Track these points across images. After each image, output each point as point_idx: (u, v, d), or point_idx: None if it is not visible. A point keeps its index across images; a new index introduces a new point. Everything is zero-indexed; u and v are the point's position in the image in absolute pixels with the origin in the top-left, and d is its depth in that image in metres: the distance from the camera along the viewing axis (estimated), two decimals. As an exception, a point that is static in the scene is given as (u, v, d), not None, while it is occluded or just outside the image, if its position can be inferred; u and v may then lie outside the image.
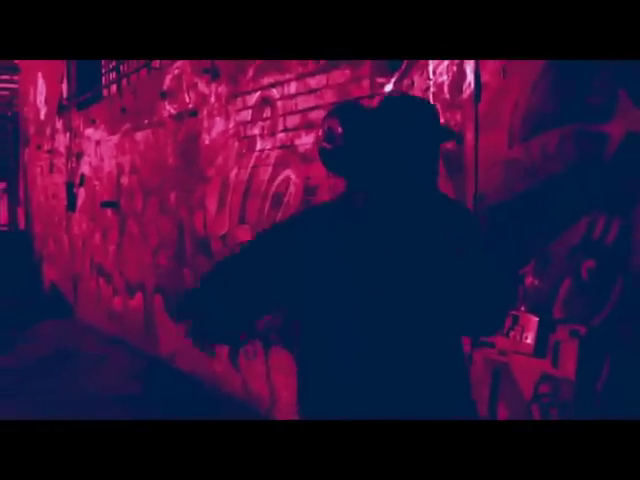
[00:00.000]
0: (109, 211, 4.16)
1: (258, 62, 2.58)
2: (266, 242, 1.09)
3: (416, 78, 1.83)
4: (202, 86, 3.03)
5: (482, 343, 1.53)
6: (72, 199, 4.81)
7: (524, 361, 1.48)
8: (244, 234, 2.74)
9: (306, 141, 2.31)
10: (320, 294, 1.02)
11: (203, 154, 3.03)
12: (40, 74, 5.54)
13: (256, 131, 2.62)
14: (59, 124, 5.12)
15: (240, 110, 2.72)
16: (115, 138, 4.04)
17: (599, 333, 1.35)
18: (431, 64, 1.78)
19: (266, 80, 2.53)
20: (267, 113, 2.54)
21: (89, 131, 4.51)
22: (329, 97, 2.17)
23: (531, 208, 1.50)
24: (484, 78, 1.62)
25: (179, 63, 3.23)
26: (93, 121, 4.41)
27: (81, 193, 4.71)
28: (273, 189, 2.53)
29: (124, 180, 3.94)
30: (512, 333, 1.46)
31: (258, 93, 2.58)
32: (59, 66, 4.91)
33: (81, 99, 4.60)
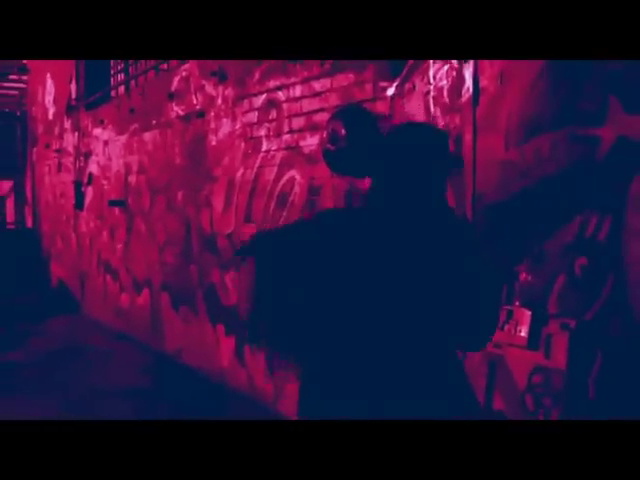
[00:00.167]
0: (117, 209, 4.21)
1: (264, 65, 2.65)
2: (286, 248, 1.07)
3: (417, 82, 1.89)
4: (209, 88, 3.09)
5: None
6: (80, 197, 4.84)
7: (518, 353, 1.54)
8: (250, 232, 2.81)
9: (311, 142, 2.36)
10: (324, 297, 1.03)
11: (210, 154, 3.08)
12: (49, 75, 5.60)
13: (262, 132, 2.68)
14: (67, 124, 5.17)
15: (246, 112, 2.78)
16: (123, 138, 4.10)
17: (589, 326, 1.41)
18: (432, 69, 1.84)
19: (272, 83, 2.59)
20: (273, 115, 2.59)
21: (97, 131, 4.56)
22: (333, 100, 2.23)
23: (526, 208, 1.55)
24: (482, 83, 1.68)
25: (187, 65, 3.29)
26: (101, 121, 4.47)
27: (89, 192, 4.76)
28: (278, 189, 2.59)
29: (132, 179, 3.99)
30: (507, 327, 1.52)
31: (264, 95, 2.64)
32: (68, 67, 4.96)
33: (90, 100, 4.66)
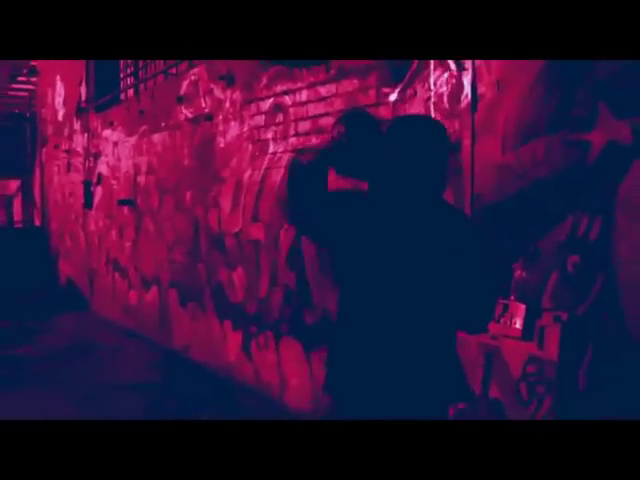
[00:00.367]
0: (125, 209, 4.28)
1: (272, 70, 2.73)
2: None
3: (418, 88, 1.97)
4: (218, 92, 3.17)
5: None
6: (89, 197, 4.89)
7: (513, 344, 1.61)
8: (257, 231, 2.90)
9: (316, 145, 2.46)
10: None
11: (218, 156, 3.15)
12: (58, 77, 5.67)
13: (269, 135, 2.74)
14: (77, 125, 5.23)
15: (254, 115, 2.85)
16: (132, 139, 4.16)
17: (581, 319, 1.48)
18: (432, 76, 1.93)
19: (279, 88, 2.66)
20: (279, 118, 2.66)
21: (107, 132, 4.62)
22: (338, 105, 2.29)
23: (522, 208, 1.62)
24: (480, 90, 1.75)
25: (196, 70, 3.38)
26: (111, 123, 4.52)
27: (98, 191, 4.82)
28: (285, 189, 2.68)
29: (141, 179, 4.05)
30: (503, 319, 1.60)
31: (271, 99, 2.71)
32: (78, 69, 5.03)
33: (99, 102, 4.72)
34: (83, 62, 4.93)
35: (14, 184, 7.87)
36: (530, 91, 1.61)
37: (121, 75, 4.67)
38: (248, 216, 2.92)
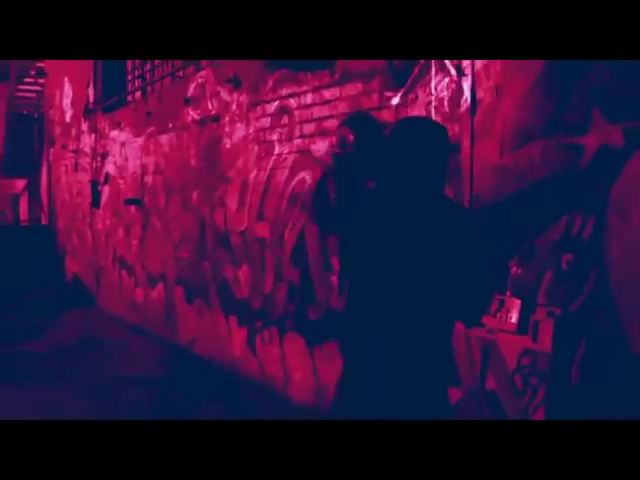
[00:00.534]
0: (132, 208, 4.33)
1: (277, 74, 2.80)
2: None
3: (420, 93, 2.03)
4: (224, 94, 3.23)
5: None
6: (96, 196, 4.94)
7: (508, 338, 1.67)
8: (262, 230, 2.97)
9: (320, 146, 2.49)
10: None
11: (224, 157, 3.21)
12: (66, 79, 5.72)
13: (274, 137, 2.80)
14: (85, 126, 5.28)
15: (260, 117, 2.90)
16: (140, 140, 4.21)
17: (574, 315, 1.54)
18: (433, 81, 1.99)
19: (284, 91, 2.72)
20: (285, 121, 2.71)
21: (114, 133, 4.67)
22: (342, 108, 2.35)
23: (519, 208, 1.67)
24: (479, 95, 1.81)
25: (203, 72, 3.45)
26: (118, 124, 4.57)
27: (105, 191, 4.87)
28: (289, 189, 2.72)
29: (148, 179, 4.10)
30: (499, 314, 1.66)
31: (277, 102, 2.76)
32: (86, 72, 5.09)
33: (107, 103, 4.77)
34: (91, 64, 4.99)
35: (21, 183, 7.95)
36: (527, 96, 1.67)
37: (128, 77, 4.71)
38: (253, 215, 2.97)
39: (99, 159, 4.99)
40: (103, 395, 2.79)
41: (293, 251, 2.70)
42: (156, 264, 4.04)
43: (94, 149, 5.11)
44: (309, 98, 2.57)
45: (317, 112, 2.52)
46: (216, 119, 3.27)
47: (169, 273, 3.86)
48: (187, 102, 3.54)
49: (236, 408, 2.62)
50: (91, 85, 5.09)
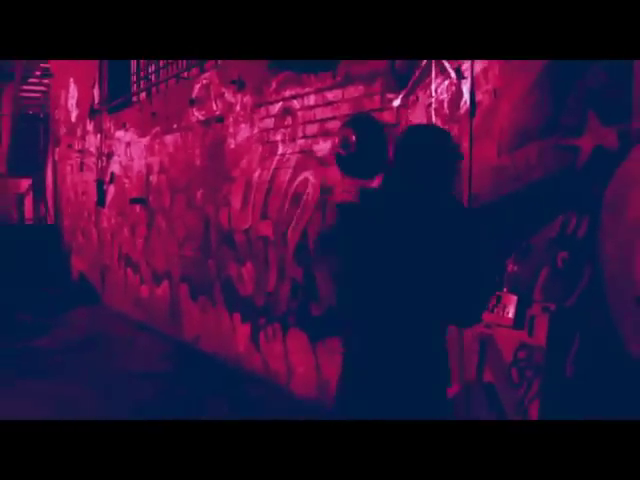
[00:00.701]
0: (138, 207, 4.37)
1: (281, 76, 2.85)
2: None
3: (420, 95, 2.07)
4: (229, 95, 3.27)
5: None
6: (102, 195, 4.98)
7: (505, 332, 1.71)
8: (265, 228, 3.02)
9: (323, 147, 2.53)
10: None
11: (229, 157, 3.25)
12: (72, 79, 5.77)
13: (278, 137, 2.85)
14: (90, 126, 5.32)
15: (263, 118, 2.95)
16: (145, 140, 4.25)
17: (569, 311, 1.58)
18: (434, 84, 2.04)
19: (288, 92, 2.76)
20: (288, 121, 2.76)
21: (120, 133, 4.71)
22: (344, 109, 2.39)
23: (516, 207, 1.72)
24: (478, 97, 1.85)
25: (207, 74, 3.50)
26: (124, 124, 4.61)
27: (110, 190, 4.91)
28: (293, 189, 2.76)
29: (153, 179, 4.14)
30: (496, 309, 1.71)
31: (280, 103, 2.80)
32: (91, 72, 5.13)
33: (112, 104, 4.81)
34: (96, 65, 5.04)
35: (26, 182, 8.01)
36: (524, 99, 1.70)
37: (133, 78, 4.75)
38: (257, 214, 3.02)
39: (104, 159, 5.03)
40: (109, 390, 2.84)
41: (296, 249, 2.76)
42: (161, 262, 4.09)
43: (99, 149, 5.15)
44: (312, 100, 2.61)
45: (320, 113, 2.56)
46: (220, 120, 3.32)
47: (174, 271, 3.90)
48: (192, 103, 3.58)
49: (240, 403, 2.67)
50: (96, 86, 5.14)
